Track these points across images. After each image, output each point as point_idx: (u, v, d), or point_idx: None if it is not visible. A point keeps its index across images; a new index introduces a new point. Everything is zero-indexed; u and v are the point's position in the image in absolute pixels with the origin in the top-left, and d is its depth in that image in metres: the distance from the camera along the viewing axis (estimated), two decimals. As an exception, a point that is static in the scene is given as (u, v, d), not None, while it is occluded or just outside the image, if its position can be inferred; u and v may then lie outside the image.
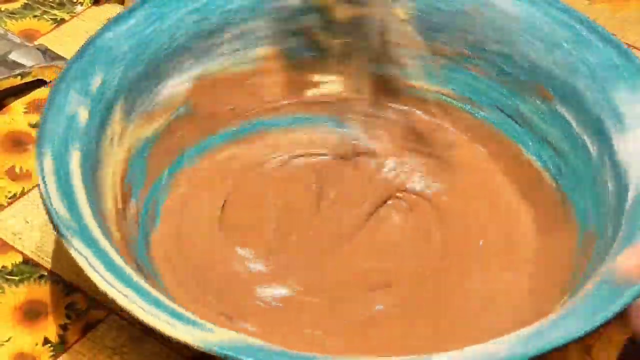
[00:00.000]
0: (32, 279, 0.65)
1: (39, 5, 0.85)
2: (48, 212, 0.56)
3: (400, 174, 0.72)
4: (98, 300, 0.63)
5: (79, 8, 0.85)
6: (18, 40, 0.80)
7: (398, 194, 0.71)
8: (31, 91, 0.77)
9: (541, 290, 0.65)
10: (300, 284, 0.65)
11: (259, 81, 0.72)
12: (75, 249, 0.55)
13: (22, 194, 0.70)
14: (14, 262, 0.66)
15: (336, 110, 0.74)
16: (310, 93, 0.74)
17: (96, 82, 0.63)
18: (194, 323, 0.52)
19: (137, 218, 0.65)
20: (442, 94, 0.73)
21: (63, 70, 0.63)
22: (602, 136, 0.67)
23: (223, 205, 0.69)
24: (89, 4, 0.85)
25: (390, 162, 0.73)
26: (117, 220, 0.62)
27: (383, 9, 0.71)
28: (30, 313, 0.63)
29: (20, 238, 0.67)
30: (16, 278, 0.65)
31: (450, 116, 0.74)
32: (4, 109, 0.76)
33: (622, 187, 0.63)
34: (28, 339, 0.62)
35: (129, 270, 0.55)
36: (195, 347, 0.51)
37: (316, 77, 0.74)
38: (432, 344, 0.62)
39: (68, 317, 0.63)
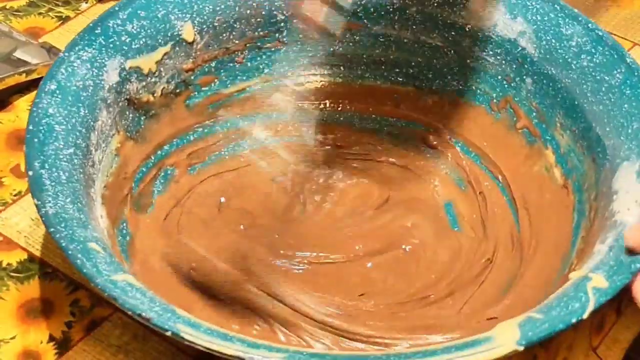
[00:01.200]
0: (36, 277, 0.65)
1: (43, 3, 0.85)
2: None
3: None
4: (102, 298, 0.63)
5: (83, 5, 0.85)
6: (23, 38, 0.80)
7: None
8: (35, 89, 0.77)
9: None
10: None
11: (127, 170, 0.69)
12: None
13: (27, 191, 0.70)
14: (19, 260, 0.66)
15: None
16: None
17: None
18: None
19: None
20: (298, 83, 0.75)
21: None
22: (466, 38, 0.71)
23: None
24: (94, 2, 0.85)
25: None
26: None
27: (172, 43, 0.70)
28: (35, 311, 0.63)
29: (25, 236, 0.67)
30: (21, 275, 0.65)
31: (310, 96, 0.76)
32: (8, 107, 0.76)
33: (522, 58, 0.69)
34: (33, 336, 0.62)
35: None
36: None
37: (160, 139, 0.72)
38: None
39: (73, 314, 0.63)
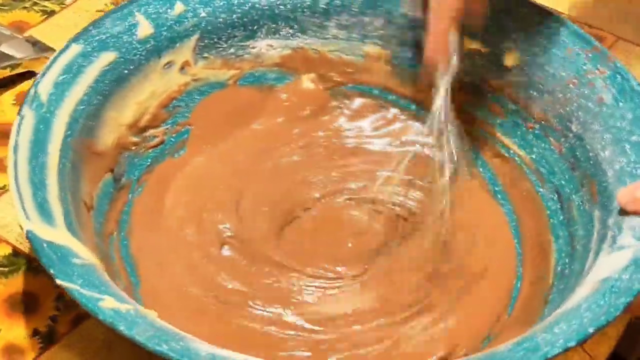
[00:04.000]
0: (21, 271, 0.65)
1: (28, -3, 0.85)
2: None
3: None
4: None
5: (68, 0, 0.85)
6: (8, 32, 0.80)
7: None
8: (20, 83, 0.77)
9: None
10: None
11: (358, 75, 0.75)
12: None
13: (12, 185, 0.70)
14: (3, 254, 0.66)
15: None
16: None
17: (176, 10, 0.68)
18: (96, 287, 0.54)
19: (162, 140, 0.69)
20: (521, 158, 0.72)
21: None
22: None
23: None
24: (79, -4, 0.85)
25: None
26: (128, 135, 0.67)
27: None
28: (20, 305, 0.63)
29: (9, 231, 0.67)
30: (6, 269, 0.65)
31: (515, 179, 0.72)
32: (-7, 101, 0.76)
33: None
34: (18, 330, 0.62)
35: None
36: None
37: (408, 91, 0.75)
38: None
39: (58, 309, 0.63)
